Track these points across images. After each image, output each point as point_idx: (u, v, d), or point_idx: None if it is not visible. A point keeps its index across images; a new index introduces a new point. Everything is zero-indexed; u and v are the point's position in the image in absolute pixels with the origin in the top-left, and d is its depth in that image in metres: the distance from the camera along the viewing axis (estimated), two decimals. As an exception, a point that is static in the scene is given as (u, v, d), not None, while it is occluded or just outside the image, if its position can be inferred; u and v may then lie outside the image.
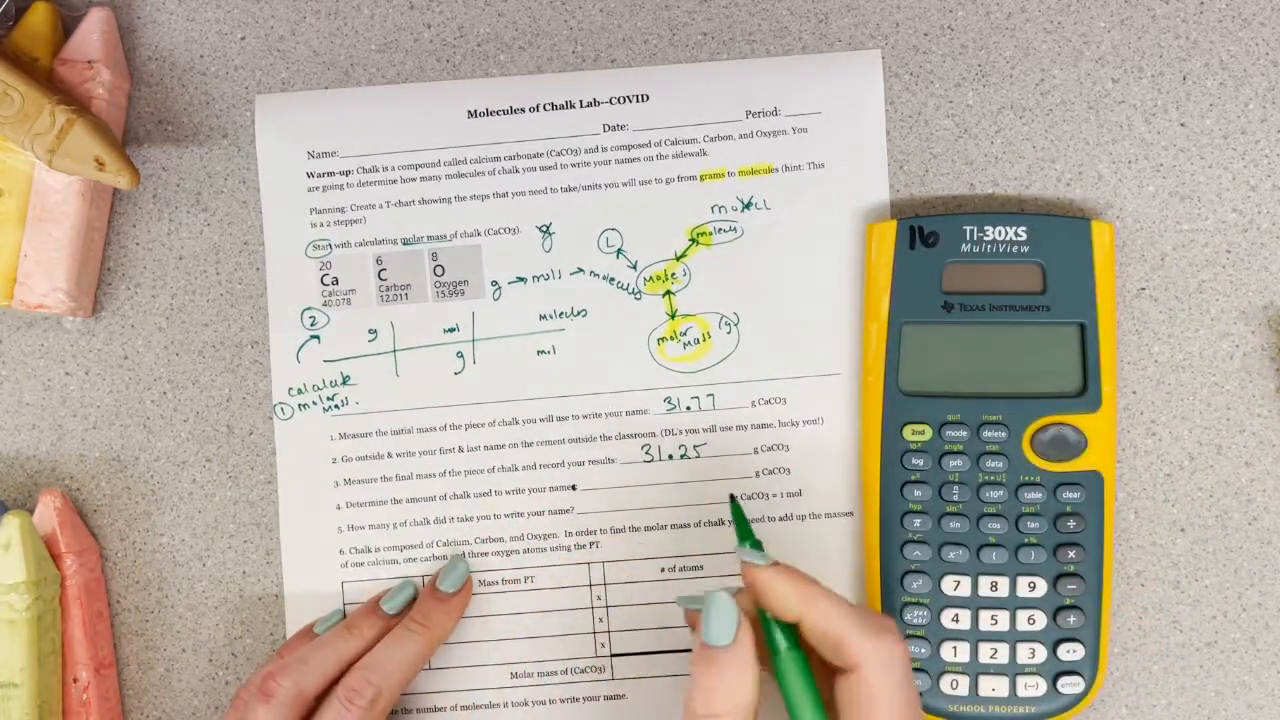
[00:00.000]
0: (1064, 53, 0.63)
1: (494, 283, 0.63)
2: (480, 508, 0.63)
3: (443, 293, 0.63)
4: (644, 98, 0.63)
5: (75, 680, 0.61)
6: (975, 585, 0.60)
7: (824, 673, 0.52)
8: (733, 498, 0.57)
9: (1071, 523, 0.59)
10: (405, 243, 0.63)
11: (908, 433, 0.60)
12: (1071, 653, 0.59)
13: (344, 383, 0.63)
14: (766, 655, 0.52)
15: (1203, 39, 0.63)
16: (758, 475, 0.63)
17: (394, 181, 0.63)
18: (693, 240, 0.63)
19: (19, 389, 0.64)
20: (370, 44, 0.64)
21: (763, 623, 0.52)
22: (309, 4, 0.64)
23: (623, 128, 0.63)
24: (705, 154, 0.63)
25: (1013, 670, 0.59)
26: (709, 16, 0.64)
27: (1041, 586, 0.59)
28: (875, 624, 0.50)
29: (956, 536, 0.60)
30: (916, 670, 0.60)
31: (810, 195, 0.63)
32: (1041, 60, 0.63)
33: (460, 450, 0.63)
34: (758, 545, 0.54)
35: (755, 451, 0.63)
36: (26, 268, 0.61)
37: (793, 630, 0.52)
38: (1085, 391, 0.59)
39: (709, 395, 0.63)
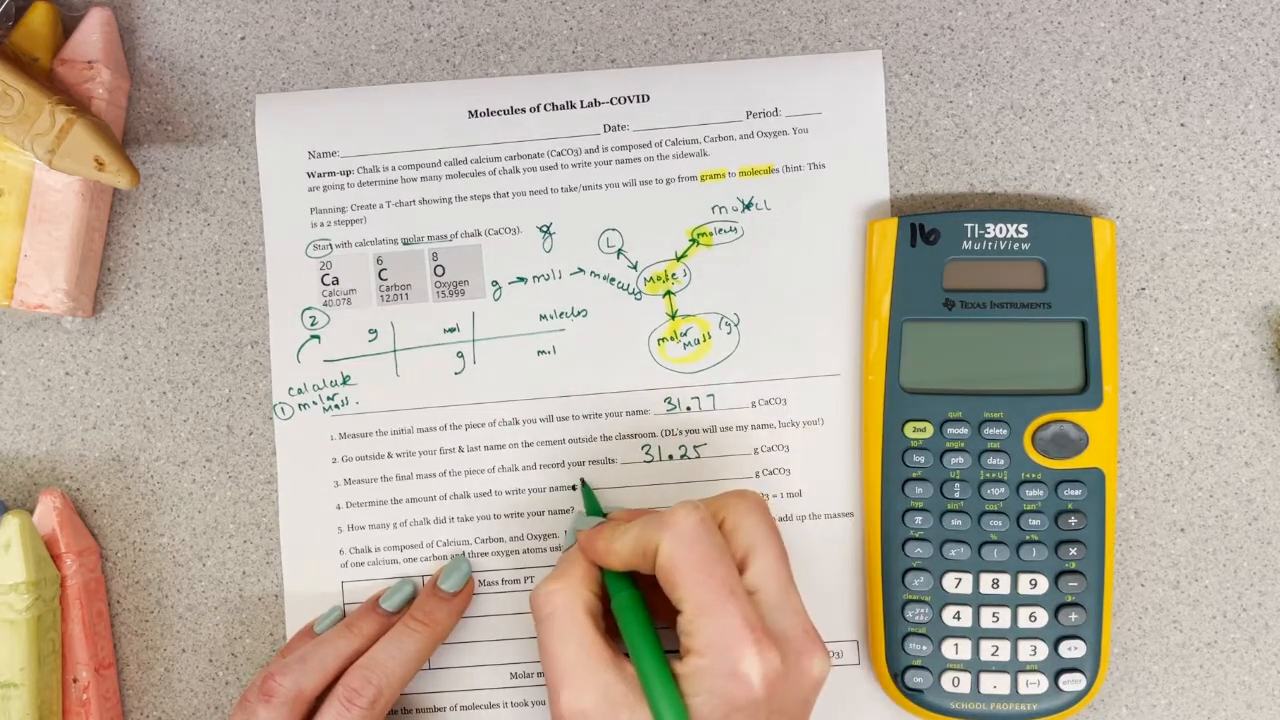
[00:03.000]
0: (1064, 53, 0.63)
1: (494, 283, 0.63)
2: (480, 508, 0.63)
3: (443, 293, 0.63)
4: (644, 98, 0.64)
5: (75, 680, 0.61)
6: (976, 582, 0.60)
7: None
8: (583, 481, 0.62)
9: (1073, 520, 0.59)
10: (406, 243, 0.63)
11: (909, 430, 0.60)
12: (1073, 650, 0.59)
13: (344, 383, 0.63)
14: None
15: (1203, 39, 0.63)
16: (758, 475, 0.63)
17: (394, 181, 0.63)
18: (693, 240, 0.63)
19: (19, 389, 0.64)
20: (370, 44, 0.64)
21: (604, 577, 0.56)
22: (309, 4, 0.64)
23: (623, 128, 0.63)
24: (706, 154, 0.63)
25: (1014, 667, 0.59)
26: (709, 16, 0.64)
27: (1043, 584, 0.59)
28: (665, 513, 0.53)
29: (958, 534, 0.60)
30: (918, 668, 0.60)
31: (811, 196, 0.63)
32: (1041, 60, 0.63)
33: (460, 450, 0.63)
34: (601, 515, 0.59)
35: (755, 452, 0.63)
36: (26, 268, 0.61)
37: (629, 576, 0.56)
38: (1086, 389, 0.60)
39: (709, 395, 0.63)
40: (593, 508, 0.61)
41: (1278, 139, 0.63)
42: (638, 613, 0.54)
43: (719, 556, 0.52)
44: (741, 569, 0.53)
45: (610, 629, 0.55)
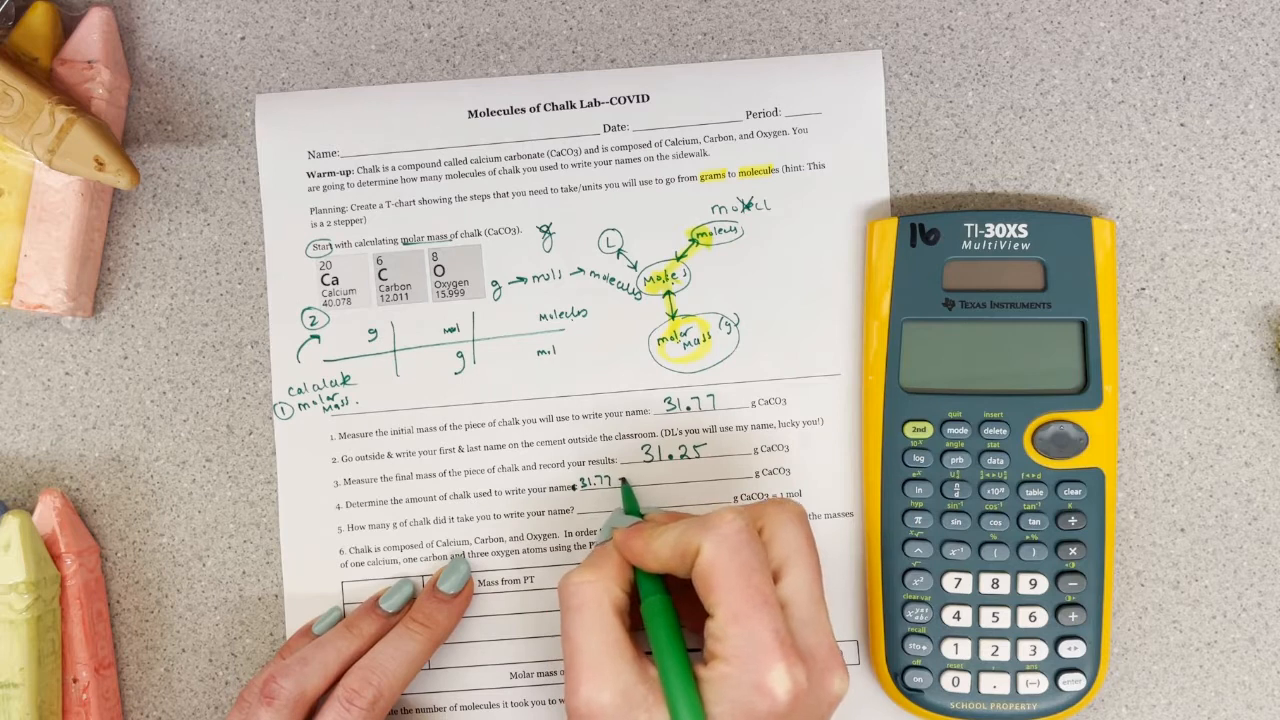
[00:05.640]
0: (1064, 53, 0.63)
1: (494, 283, 0.63)
2: (480, 508, 0.63)
3: (443, 293, 0.63)
4: (644, 98, 0.64)
5: (75, 680, 0.61)
6: (976, 582, 0.60)
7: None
8: (624, 480, 0.62)
9: (1073, 519, 0.59)
10: (405, 243, 0.63)
11: (909, 430, 0.60)
12: (1073, 650, 0.59)
13: (344, 382, 0.63)
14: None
15: (1203, 39, 0.63)
16: (758, 475, 0.63)
17: (394, 181, 0.63)
18: (693, 240, 0.63)
19: (19, 389, 0.64)
20: (370, 44, 0.64)
21: (636, 579, 0.56)
22: (309, 4, 0.64)
23: (623, 128, 0.63)
24: (706, 154, 0.63)
25: (1014, 667, 0.59)
26: (709, 16, 0.64)
27: (1043, 583, 0.59)
28: (707, 517, 0.53)
29: (958, 534, 0.60)
30: (918, 668, 0.60)
31: (810, 196, 0.63)
32: (1041, 60, 0.63)
33: (460, 450, 0.63)
34: (639, 516, 0.59)
35: (755, 452, 0.63)
36: (26, 268, 0.61)
37: (661, 581, 0.55)
38: (1086, 388, 0.60)
39: (709, 395, 0.63)
40: (631, 507, 0.61)
41: (1278, 139, 0.63)
42: (667, 617, 0.54)
43: (758, 565, 0.52)
44: (775, 579, 0.53)
45: (633, 629, 0.55)
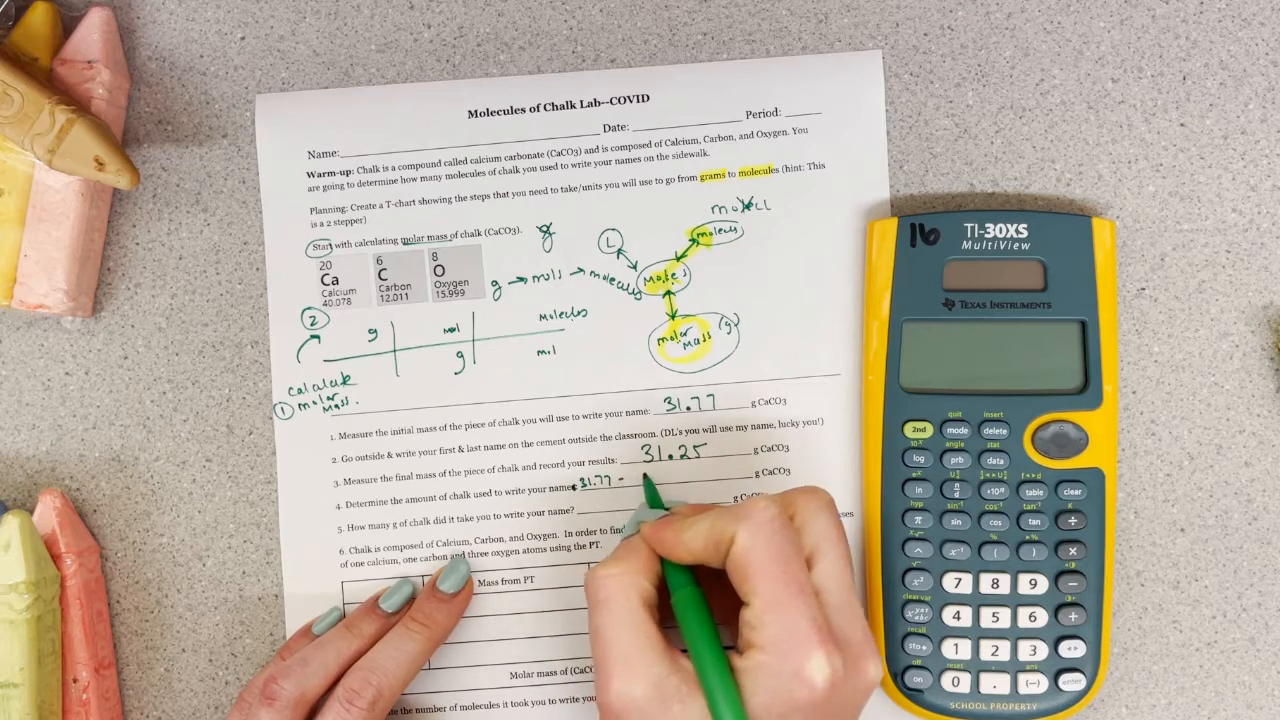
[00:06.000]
0: (1064, 53, 0.63)
1: (494, 283, 0.63)
2: (480, 508, 0.63)
3: (443, 293, 0.63)
4: (644, 98, 0.64)
5: (75, 680, 0.61)
6: (976, 582, 0.60)
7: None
8: (646, 475, 0.62)
9: (1073, 519, 0.59)
10: (405, 243, 0.63)
11: (909, 430, 0.60)
12: (1073, 650, 0.59)
13: (344, 382, 0.63)
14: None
15: (1203, 39, 0.63)
16: (758, 475, 0.63)
17: (394, 181, 0.63)
18: (693, 240, 0.63)
19: (19, 389, 0.64)
20: (370, 44, 0.64)
21: (665, 572, 0.55)
22: (309, 4, 0.64)
23: (623, 128, 0.63)
24: (706, 154, 0.63)
25: (1014, 667, 0.59)
26: (709, 16, 0.64)
27: (1043, 583, 0.59)
28: (740, 506, 0.53)
29: (958, 534, 0.60)
30: (918, 668, 0.60)
31: (810, 196, 0.63)
32: (1041, 60, 0.63)
33: (460, 450, 0.63)
34: (664, 509, 0.59)
35: (755, 452, 0.63)
36: (26, 268, 0.61)
37: (690, 573, 0.55)
38: (1086, 389, 0.60)
39: (709, 395, 0.63)
40: (655, 501, 0.61)
41: (1278, 139, 0.63)
42: (700, 609, 0.53)
43: (793, 553, 0.51)
44: (808, 566, 0.52)
45: (662, 622, 0.54)
